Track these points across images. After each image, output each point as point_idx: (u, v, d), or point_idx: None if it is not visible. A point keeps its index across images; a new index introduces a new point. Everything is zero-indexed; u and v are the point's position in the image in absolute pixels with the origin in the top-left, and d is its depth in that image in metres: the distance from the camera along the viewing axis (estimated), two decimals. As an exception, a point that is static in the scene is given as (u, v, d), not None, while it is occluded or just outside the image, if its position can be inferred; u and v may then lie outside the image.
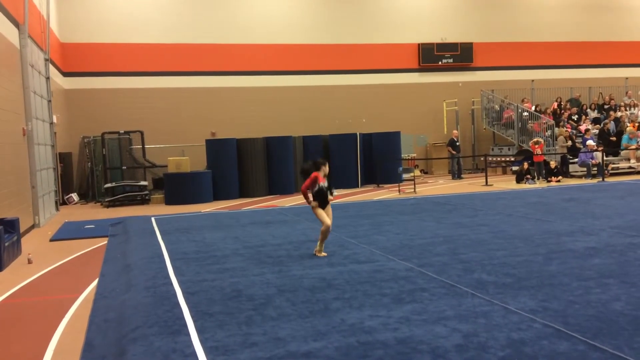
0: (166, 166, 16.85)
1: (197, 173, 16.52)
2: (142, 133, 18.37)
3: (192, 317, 5.15)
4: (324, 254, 7.69)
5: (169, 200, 16.06)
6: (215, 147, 17.05)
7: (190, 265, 7.40)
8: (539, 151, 17.84)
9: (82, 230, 11.49)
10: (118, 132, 18.11)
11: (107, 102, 19.54)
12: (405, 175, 19.04)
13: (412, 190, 16.47)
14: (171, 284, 6.44)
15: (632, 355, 3.85)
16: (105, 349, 4.63)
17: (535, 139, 18.39)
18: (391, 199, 14.81)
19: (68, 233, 11.22)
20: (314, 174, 7.62)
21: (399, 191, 16.50)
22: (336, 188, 17.99)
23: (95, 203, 17.40)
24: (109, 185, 16.81)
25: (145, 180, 17.73)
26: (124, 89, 19.70)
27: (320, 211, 7.66)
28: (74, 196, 17.88)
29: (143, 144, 18.33)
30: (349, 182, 18.47)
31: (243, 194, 16.99)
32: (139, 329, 4.90)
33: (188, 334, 4.68)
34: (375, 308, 5.19)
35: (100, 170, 17.88)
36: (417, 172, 20.39)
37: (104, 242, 10.09)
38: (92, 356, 4.51)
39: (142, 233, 10.52)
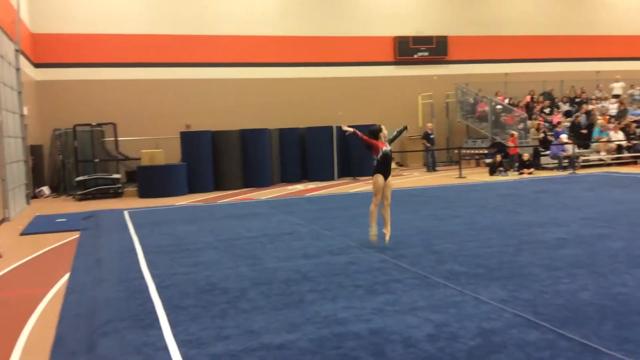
0: (139, 159, 16.64)
1: (171, 166, 16.36)
2: (114, 125, 18.11)
3: (165, 310, 5.12)
4: (373, 237, 7.39)
5: (143, 194, 15.88)
6: (190, 140, 16.89)
7: (163, 259, 7.34)
8: (511, 144, 18.08)
9: (54, 224, 11.30)
10: (90, 125, 17.81)
11: (80, 94, 19.20)
12: (380, 168, 19.10)
13: (388, 182, 16.53)
14: (143, 278, 6.39)
15: (599, 343, 3.95)
16: (76, 343, 4.58)
17: (510, 132, 18.65)
18: (367, 191, 14.85)
19: (39, 227, 11.03)
20: (376, 143, 7.41)
21: (375, 184, 16.56)
22: (313, 180, 18.28)
23: (67, 196, 17.12)
24: (81, 178, 16.56)
25: (118, 173, 17.50)
26: (96, 81, 19.38)
27: (377, 183, 7.45)
28: (45, 189, 17.57)
29: (116, 137, 18.06)
30: (325, 175, 18.48)
31: (218, 186, 16.89)
32: (110, 323, 4.86)
33: (160, 328, 4.66)
34: (349, 300, 5.22)
35: (72, 163, 17.58)
36: (392, 165, 20.47)
37: (75, 236, 9.94)
38: (63, 351, 4.45)
39: (115, 227, 10.40)
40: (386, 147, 7.49)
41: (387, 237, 7.48)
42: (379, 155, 7.49)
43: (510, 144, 18.23)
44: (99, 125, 18.09)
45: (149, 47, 19.88)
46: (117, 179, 16.87)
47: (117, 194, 16.47)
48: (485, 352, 3.89)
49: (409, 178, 18.22)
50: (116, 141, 18.00)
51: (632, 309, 4.63)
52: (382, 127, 7.65)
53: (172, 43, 20.12)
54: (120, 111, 19.12)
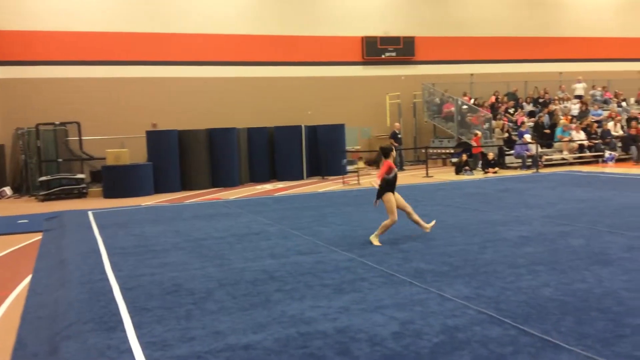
0: (104, 158, 16.37)
1: (137, 165, 16.14)
2: (78, 124, 17.77)
3: (129, 312, 5.06)
4: (379, 243, 7.52)
5: (108, 194, 15.63)
6: (156, 139, 16.69)
7: (128, 260, 7.24)
8: (474, 143, 18.37)
9: (16, 225, 11.04)
10: (53, 124, 17.44)
11: (42, 92, 18.77)
12: (349, 167, 19.22)
13: (356, 182, 16.64)
14: (107, 280, 6.29)
15: (559, 338, 4.04)
16: (38, 346, 4.49)
17: (475, 132, 18.95)
18: (335, 190, 14.93)
19: (0, 228, 10.76)
20: (387, 163, 7.55)
21: (343, 183, 16.64)
22: (281, 180, 18.25)
23: (29, 197, 16.73)
24: (44, 178, 16.19)
25: (82, 173, 17.18)
26: (60, 79, 18.97)
27: (391, 202, 7.62)
28: (7, 190, 17.16)
29: (80, 136, 17.72)
30: (294, 174, 18.48)
31: (185, 186, 16.73)
32: (73, 326, 4.77)
33: (124, 330, 4.60)
34: (316, 299, 5.24)
35: (35, 163, 17.18)
36: (361, 164, 20.61)
37: (38, 237, 9.73)
38: (24, 354, 4.36)
39: (79, 227, 10.22)
40: (396, 170, 7.76)
41: (429, 227, 7.89)
42: (391, 175, 7.62)
43: (473, 143, 18.52)
44: (63, 124, 17.72)
45: (114, 45, 19.56)
46: (82, 179, 16.56)
47: (81, 195, 16.18)
48: (449, 349, 3.95)
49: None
50: (80, 140, 17.67)
51: (591, 304, 4.76)
52: (393, 148, 7.88)
53: (138, 41, 19.84)
54: (85, 110, 18.77)
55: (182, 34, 20.38)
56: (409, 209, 7.91)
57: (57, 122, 17.52)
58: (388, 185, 7.65)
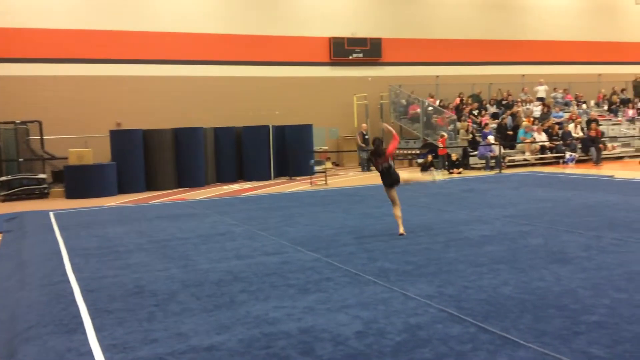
0: (67, 158, 16.05)
1: (100, 165, 15.86)
2: (40, 123, 17.38)
3: (90, 315, 4.98)
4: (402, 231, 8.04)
5: (70, 194, 15.33)
6: (121, 138, 16.44)
7: (90, 262, 7.12)
8: (440, 144, 18.62)
9: (-28, 227, 10.74)
10: (14, 122, 17.03)
11: (3, 90, 18.26)
12: (317, 168, 19.25)
13: (324, 182, 16.69)
14: (68, 282, 6.18)
15: (518, 336, 4.14)
16: (-5, 351, 4.39)
17: (441, 133, 19.20)
18: (303, 190, 14.95)
19: (-44, 230, 10.45)
20: (392, 144, 8.30)
21: (311, 183, 16.67)
22: (249, 180, 18.18)
23: (-12, 197, 16.30)
24: (4, 178, 15.80)
25: (44, 173, 16.80)
26: (21, 77, 18.50)
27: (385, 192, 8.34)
28: (-36, 190, 16.65)
29: (42, 135, 17.34)
30: (261, 174, 18.42)
31: (150, 187, 16.51)
32: (32, 329, 4.68)
33: (85, 333, 4.53)
34: (281, 299, 5.24)
35: (-6, 162, 16.75)
36: (328, 165, 20.67)
37: (-4, 238, 9.50)
38: (-20, 360, 4.26)
39: (39, 228, 10.01)
40: (385, 164, 8.20)
41: (400, 230, 8.12)
42: (379, 168, 8.27)
43: (439, 144, 18.76)
44: (24, 123, 17.30)
45: (77, 43, 19.17)
46: (43, 179, 16.20)
47: (42, 195, 15.83)
48: (411, 347, 4.01)
49: (344, 177, 18.45)
50: (42, 139, 17.28)
51: (549, 302, 4.88)
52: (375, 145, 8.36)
53: (101, 39, 19.49)
54: (47, 108, 18.35)
55: (148, 32, 20.11)
56: (396, 204, 8.36)
57: (18, 121, 17.12)
58: (382, 179, 8.34)
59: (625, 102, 25.57)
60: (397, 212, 8.27)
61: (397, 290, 5.36)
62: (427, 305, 4.88)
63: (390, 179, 8.28)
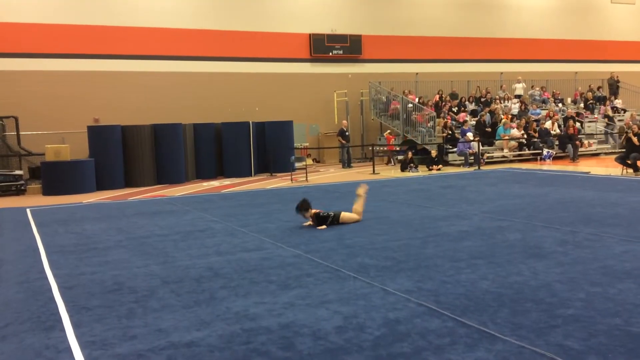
0: (44, 154, 15.83)
1: (78, 162, 15.68)
2: (16, 119, 17.12)
3: (68, 312, 4.94)
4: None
5: (47, 191, 15.13)
6: (99, 134, 16.26)
7: (68, 259, 7.05)
8: (392, 141, 18.91)
9: (-54, 224, 10.54)
10: (-11, 118, 16.79)
11: (-24, 85, 17.98)
12: (297, 164, 19.26)
13: (304, 178, 16.70)
14: (46, 279, 6.12)
15: (495, 329, 4.20)
16: (-30, 349, 4.32)
17: (388, 131, 19.53)
18: (283, 187, 14.94)
19: None
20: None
21: (292, 180, 16.67)
22: (229, 177, 18.11)
23: (-38, 194, 16.00)
24: (-22, 175, 15.54)
25: (20, 169, 16.56)
26: (-5, 71, 18.22)
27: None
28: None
29: (18, 131, 17.08)
30: (242, 171, 18.38)
31: (129, 183, 16.37)
32: (9, 326, 4.63)
33: (63, 330, 4.49)
34: (261, 295, 5.25)
35: (-31, 158, 16.46)
36: (309, 161, 20.68)
37: (-29, 236, 9.33)
38: (-45, 358, 4.19)
39: (16, 225, 9.87)
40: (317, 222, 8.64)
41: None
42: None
43: (392, 140, 19.02)
44: (0, 118, 17.01)
45: (54, 37, 18.90)
46: (20, 176, 15.95)
47: (19, 192, 15.60)
48: (390, 341, 4.05)
49: (325, 174, 18.46)
50: (18, 135, 17.02)
51: (526, 296, 4.96)
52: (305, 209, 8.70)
53: (79, 33, 19.24)
54: (23, 104, 18.08)
55: (126, 27, 19.89)
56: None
57: (-7, 117, 16.86)
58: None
59: (600, 100, 25.99)
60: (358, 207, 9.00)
61: (377, 285, 5.40)
62: (406, 300, 4.92)
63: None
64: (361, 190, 9.14)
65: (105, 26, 19.59)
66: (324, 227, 8.44)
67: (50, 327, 4.58)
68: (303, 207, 8.64)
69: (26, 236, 8.78)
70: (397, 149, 21.02)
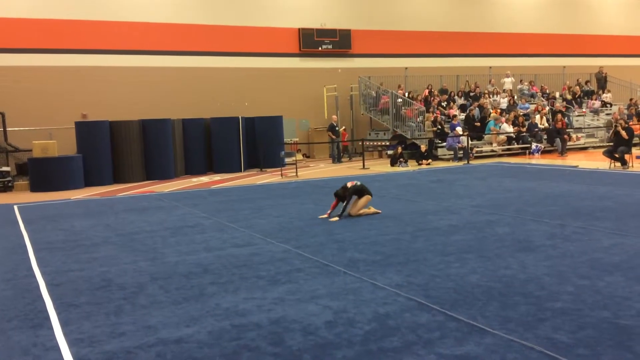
0: (31, 150, 15.68)
1: (65, 157, 15.55)
2: (3, 115, 16.95)
3: (56, 309, 4.90)
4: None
5: (35, 187, 15.00)
6: (87, 130, 16.13)
7: (55, 256, 7.00)
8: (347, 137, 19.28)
9: None
10: (-25, 114, 16.60)
11: (-38, 81, 17.75)
12: (287, 159, 19.22)
13: (294, 174, 16.67)
14: (34, 276, 6.07)
15: (484, 323, 4.22)
16: (-44, 348, 4.28)
17: (344, 127, 19.87)
18: (273, 182, 14.90)
19: None
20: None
21: (282, 175, 16.63)
22: (219, 172, 18.05)
23: (-52, 191, 15.83)
24: (-36, 171, 15.38)
25: (7, 165, 16.40)
26: (-20, 67, 18.00)
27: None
28: None
29: (4, 127, 16.91)
30: (231, 166, 18.31)
31: (118, 179, 16.26)
32: (-5, 325, 4.58)
33: (51, 327, 4.46)
34: (251, 291, 5.23)
35: (-45, 155, 16.29)
36: (299, 156, 20.64)
37: (-43, 233, 9.23)
38: (-60, 357, 4.15)
39: (3, 222, 9.78)
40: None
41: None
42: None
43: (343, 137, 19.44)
44: (-15, 114, 16.87)
45: (41, 32, 18.69)
46: (7, 172, 15.81)
47: (6, 188, 15.44)
48: (380, 335, 4.05)
49: (315, 169, 18.45)
50: (5, 131, 16.84)
51: (515, 290, 4.98)
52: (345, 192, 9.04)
53: (66, 28, 19.03)
54: (10, 99, 17.88)
55: (114, 22, 19.70)
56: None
57: (-21, 113, 16.67)
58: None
59: (588, 94, 26.14)
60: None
61: (367, 280, 5.40)
62: (396, 295, 4.93)
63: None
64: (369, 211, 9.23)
65: (93, 21, 19.39)
66: (336, 218, 8.72)
67: (38, 324, 4.54)
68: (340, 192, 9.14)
69: (13, 233, 8.70)
70: (387, 143, 21.03)
